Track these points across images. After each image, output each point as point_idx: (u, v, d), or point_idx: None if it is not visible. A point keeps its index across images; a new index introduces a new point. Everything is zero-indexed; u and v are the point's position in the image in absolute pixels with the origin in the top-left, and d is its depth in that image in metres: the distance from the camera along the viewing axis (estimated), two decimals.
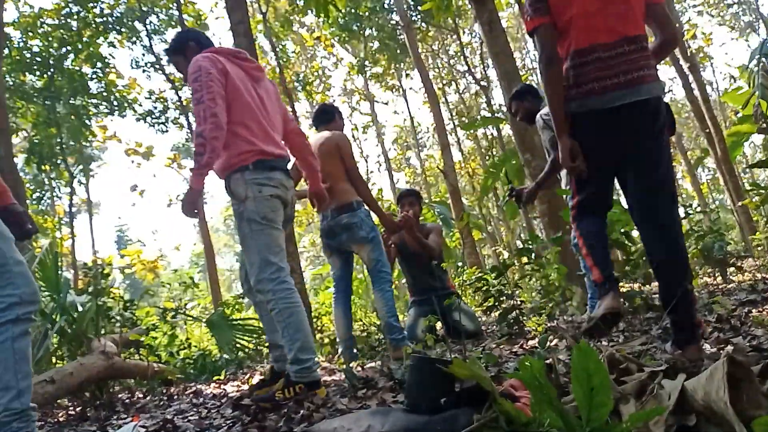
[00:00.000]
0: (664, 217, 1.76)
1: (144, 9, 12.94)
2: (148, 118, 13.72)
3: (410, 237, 3.85)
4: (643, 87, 1.77)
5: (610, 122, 1.79)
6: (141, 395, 3.56)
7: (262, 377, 2.63)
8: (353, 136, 21.47)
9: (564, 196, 3.12)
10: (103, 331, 3.81)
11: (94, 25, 12.25)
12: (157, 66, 13.65)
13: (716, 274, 4.58)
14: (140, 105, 13.68)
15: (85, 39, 12.11)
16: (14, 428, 1.39)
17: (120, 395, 3.53)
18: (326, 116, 3.49)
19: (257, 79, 2.39)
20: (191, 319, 6.05)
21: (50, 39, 11.73)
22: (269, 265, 2.15)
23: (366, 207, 3.26)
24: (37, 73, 11.67)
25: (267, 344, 5.06)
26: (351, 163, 3.22)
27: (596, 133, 1.82)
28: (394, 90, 19.92)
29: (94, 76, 12.59)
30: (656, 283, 1.83)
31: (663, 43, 1.94)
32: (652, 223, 1.78)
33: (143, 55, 13.92)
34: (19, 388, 1.42)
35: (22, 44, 11.53)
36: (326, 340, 4.13)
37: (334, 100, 20.70)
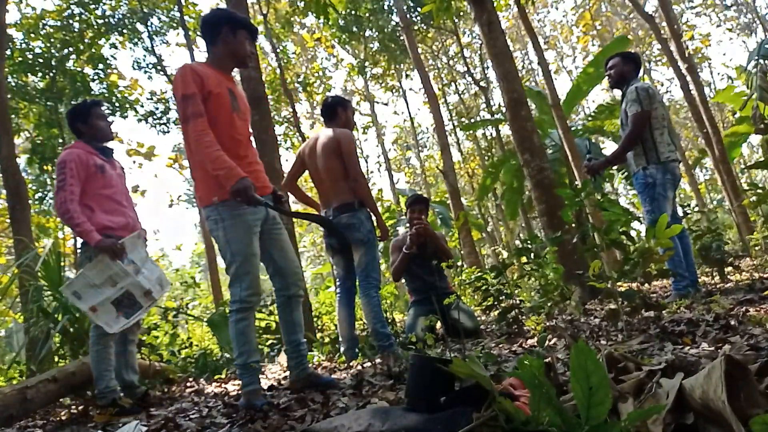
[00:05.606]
0: None
1: (145, 10, 12.95)
2: (150, 119, 13.71)
3: (432, 243, 3.88)
4: None
5: None
6: None
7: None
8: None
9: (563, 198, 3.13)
10: None
11: (95, 27, 12.24)
12: (159, 67, 13.67)
13: (714, 274, 4.58)
14: (142, 106, 13.66)
15: (86, 40, 12.10)
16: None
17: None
18: (328, 112, 3.41)
19: None
20: (192, 318, 6.06)
21: (52, 40, 11.72)
22: None
23: (368, 209, 3.26)
24: (40, 74, 11.65)
25: (267, 344, 5.11)
26: (349, 161, 3.16)
27: None
28: (394, 91, 19.91)
29: (95, 77, 12.57)
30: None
31: None
32: None
33: (144, 56, 13.97)
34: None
35: (24, 45, 11.51)
36: (327, 339, 4.13)
37: None
